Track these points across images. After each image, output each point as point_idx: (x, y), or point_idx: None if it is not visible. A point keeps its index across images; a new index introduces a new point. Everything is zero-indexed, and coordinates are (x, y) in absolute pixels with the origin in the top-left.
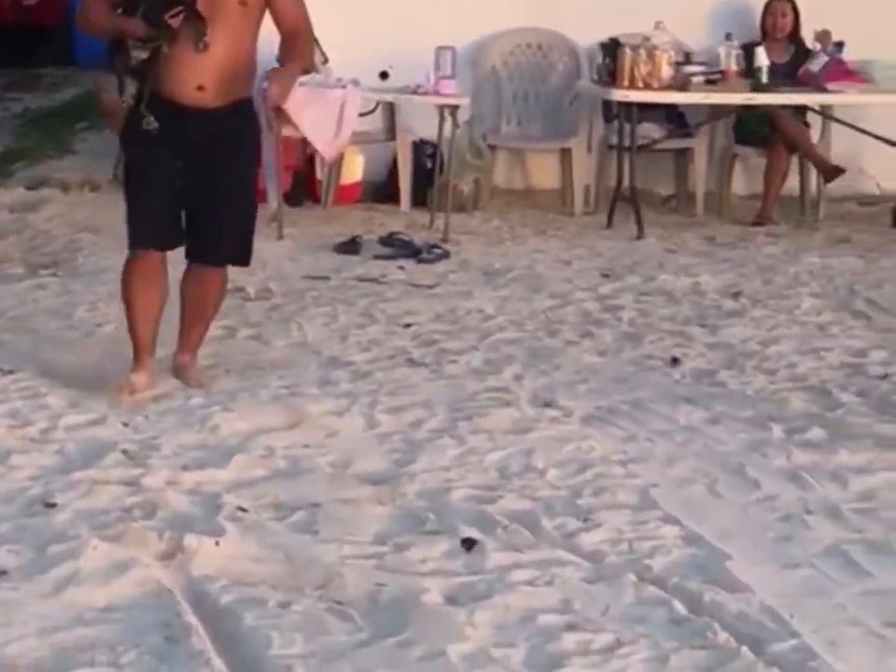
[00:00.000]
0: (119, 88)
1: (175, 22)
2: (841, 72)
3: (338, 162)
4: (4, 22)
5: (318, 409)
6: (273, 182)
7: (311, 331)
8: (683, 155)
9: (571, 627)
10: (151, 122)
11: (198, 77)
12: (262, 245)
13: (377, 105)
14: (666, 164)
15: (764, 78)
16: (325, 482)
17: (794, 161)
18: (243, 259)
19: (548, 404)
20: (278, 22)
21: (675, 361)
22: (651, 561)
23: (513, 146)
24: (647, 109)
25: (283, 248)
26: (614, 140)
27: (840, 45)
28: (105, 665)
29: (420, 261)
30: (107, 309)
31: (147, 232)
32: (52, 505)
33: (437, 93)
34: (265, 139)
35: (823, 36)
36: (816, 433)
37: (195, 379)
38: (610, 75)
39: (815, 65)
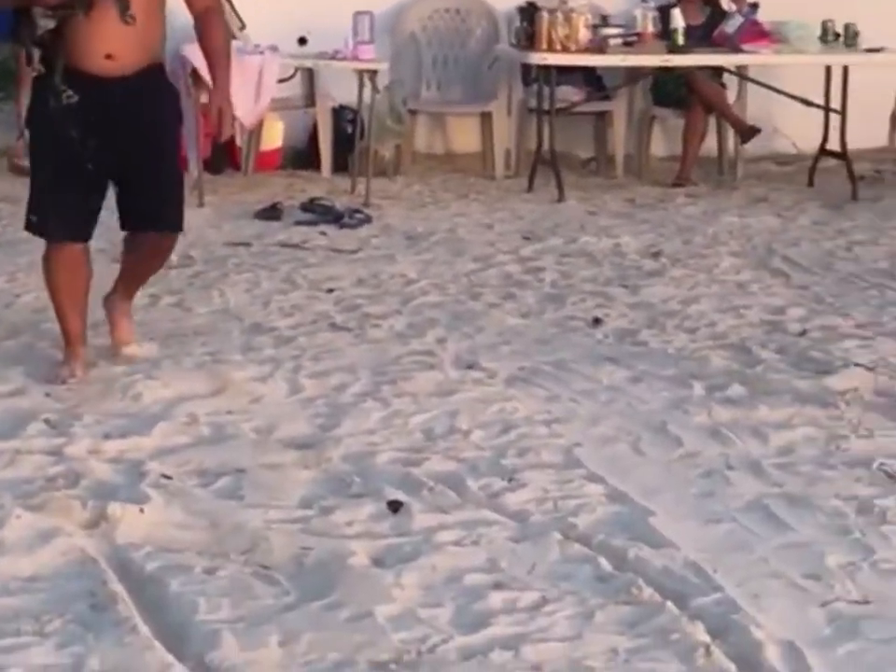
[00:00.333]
0: (27, 59)
1: None
2: (756, 33)
3: (258, 129)
4: None
5: (242, 375)
6: (193, 149)
7: (233, 298)
8: (602, 118)
9: (498, 586)
10: (71, 96)
11: (106, 45)
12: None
13: (296, 71)
14: (586, 127)
15: (681, 40)
16: (249, 447)
17: (712, 122)
18: (180, 225)
19: (471, 366)
20: (189, 1)
21: (597, 322)
22: (575, 519)
23: (433, 110)
24: (565, 72)
25: (203, 216)
26: (534, 103)
27: (755, 6)
28: (31, 634)
29: (342, 227)
30: (27, 279)
31: (62, 224)
32: None
33: (355, 59)
34: (185, 106)
35: None
36: (736, 390)
37: (126, 329)
38: (528, 38)
39: (730, 27)
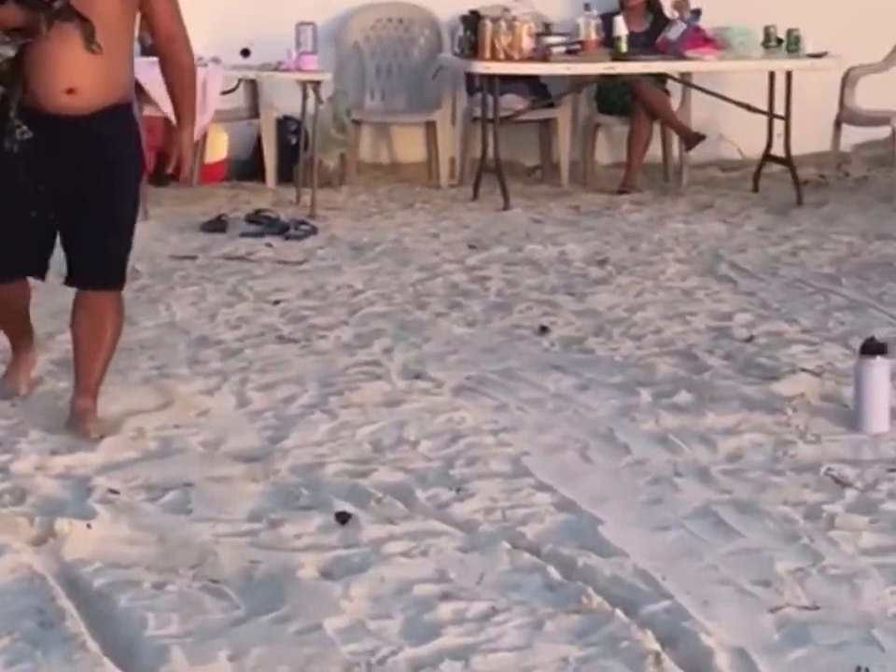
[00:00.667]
0: None
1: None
2: (698, 39)
3: (202, 141)
4: None
5: (189, 388)
6: None
7: (179, 311)
8: (547, 126)
9: (446, 597)
10: (25, 132)
11: (68, 77)
12: None
13: (239, 82)
14: (531, 135)
15: (624, 48)
16: (197, 461)
17: (656, 129)
18: (116, 281)
19: (418, 376)
20: (153, 28)
21: (543, 330)
22: (524, 528)
23: (378, 120)
24: (509, 81)
25: (149, 228)
26: (478, 112)
27: (697, 12)
28: None
29: (287, 238)
30: None
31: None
32: None
33: (299, 69)
34: None
35: (680, 4)
36: (683, 397)
37: (95, 430)
38: (472, 47)
39: (673, 33)
